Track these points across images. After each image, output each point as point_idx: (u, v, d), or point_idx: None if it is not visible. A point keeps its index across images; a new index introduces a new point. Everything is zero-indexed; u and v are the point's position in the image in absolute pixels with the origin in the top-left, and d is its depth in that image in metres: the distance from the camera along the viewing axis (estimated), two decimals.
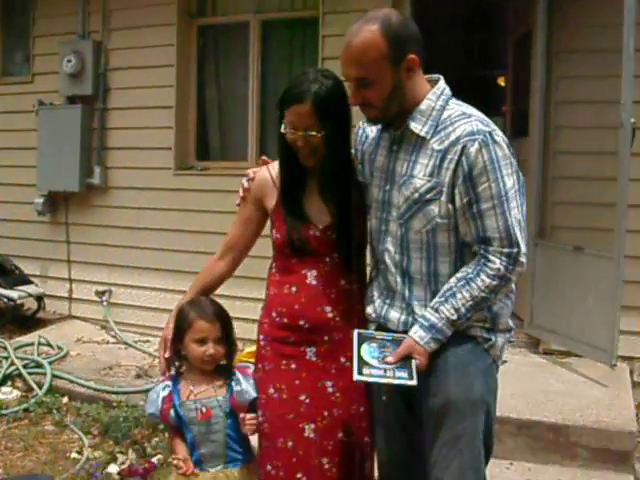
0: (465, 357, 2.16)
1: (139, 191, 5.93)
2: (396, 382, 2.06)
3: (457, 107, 2.15)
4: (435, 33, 6.06)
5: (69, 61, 5.84)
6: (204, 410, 2.47)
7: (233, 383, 2.48)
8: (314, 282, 2.35)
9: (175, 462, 2.47)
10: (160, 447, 4.03)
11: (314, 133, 2.22)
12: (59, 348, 5.40)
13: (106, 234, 6.06)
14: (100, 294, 6.03)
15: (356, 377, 2.06)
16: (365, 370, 2.07)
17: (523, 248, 2.09)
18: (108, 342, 5.76)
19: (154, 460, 3.85)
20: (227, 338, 2.50)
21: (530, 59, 4.99)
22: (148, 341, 5.72)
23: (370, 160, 2.31)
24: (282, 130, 2.28)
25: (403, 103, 2.13)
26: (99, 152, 6.04)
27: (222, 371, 2.52)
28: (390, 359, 2.08)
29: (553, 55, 4.77)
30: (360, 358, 2.09)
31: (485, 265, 2.08)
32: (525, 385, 4.21)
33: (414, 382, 2.05)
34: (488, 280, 2.07)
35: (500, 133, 2.09)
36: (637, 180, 4.21)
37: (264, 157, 2.55)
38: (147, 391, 4.61)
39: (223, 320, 2.49)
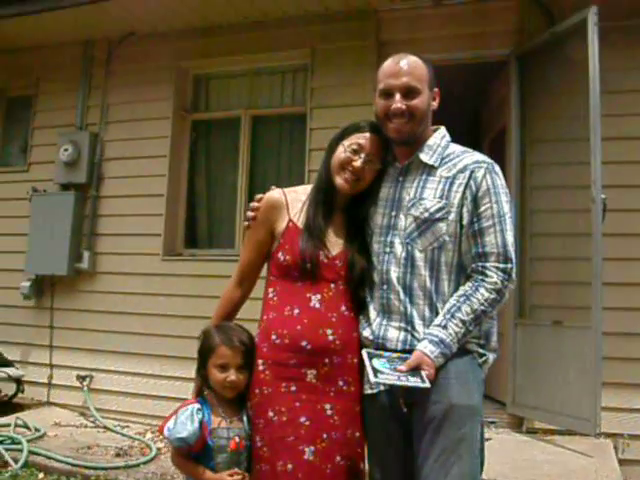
0: (464, 367, 2.31)
1: (127, 276, 6.03)
2: (411, 384, 2.17)
3: (458, 147, 2.49)
4: None
5: (66, 150, 6.09)
6: (237, 439, 2.44)
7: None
8: (317, 305, 2.43)
9: (236, 475, 2.40)
10: None
11: (375, 161, 2.47)
12: (36, 429, 5.28)
13: (91, 319, 6.07)
14: (81, 379, 5.96)
15: (373, 379, 2.17)
16: (380, 375, 2.18)
17: (515, 266, 2.32)
18: (87, 426, 5.64)
19: None
20: (250, 367, 2.47)
21: (505, 151, 5.34)
22: (128, 427, 5.63)
23: (373, 193, 2.52)
24: (341, 152, 2.46)
25: (423, 132, 2.45)
26: (89, 237, 6.18)
27: (242, 400, 2.51)
28: (402, 368, 2.20)
29: (527, 145, 5.12)
30: (373, 367, 2.20)
31: (483, 280, 2.29)
32: (510, 455, 4.22)
33: (428, 384, 2.17)
34: (487, 294, 2.27)
35: (499, 168, 2.41)
36: (609, 259, 4.44)
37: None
38: (128, 467, 4.57)
39: (247, 348, 2.48)
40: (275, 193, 2.58)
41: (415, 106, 2.38)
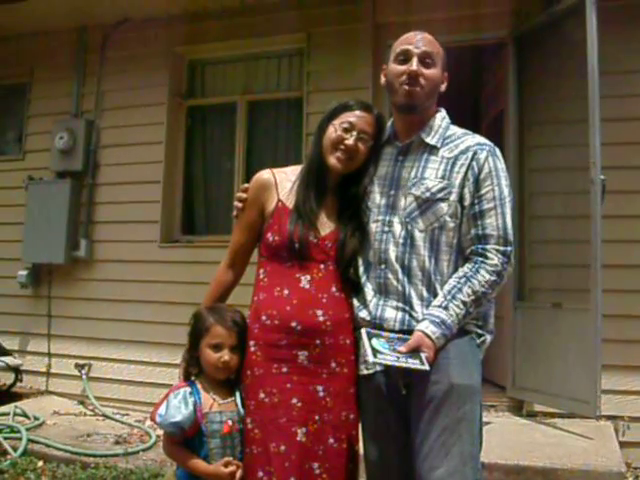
0: (464, 348, 2.29)
1: (124, 263, 6.00)
2: (410, 366, 2.13)
3: (458, 128, 2.47)
4: None
5: (61, 138, 6.05)
6: (230, 423, 2.40)
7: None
8: (307, 286, 2.40)
9: (231, 465, 2.36)
10: None
11: (367, 139, 2.43)
12: (35, 418, 5.26)
13: (88, 307, 6.05)
14: (80, 367, 5.95)
15: (372, 359, 2.13)
16: (379, 355, 2.14)
17: (513, 249, 2.31)
18: (86, 414, 5.63)
19: None
20: (242, 348, 2.44)
21: (503, 134, 5.30)
22: (127, 414, 5.61)
23: (371, 171, 2.49)
24: (332, 132, 2.43)
25: (429, 107, 2.43)
26: (86, 225, 6.15)
27: (232, 384, 2.48)
28: (402, 349, 2.18)
29: (525, 127, 5.08)
30: (372, 347, 2.17)
31: (484, 262, 2.27)
32: (511, 438, 4.20)
33: (427, 367, 2.14)
34: (487, 276, 2.25)
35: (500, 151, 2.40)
36: (609, 241, 4.39)
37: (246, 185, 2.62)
38: (127, 454, 4.56)
39: (240, 328, 2.46)
40: (264, 173, 2.56)
41: (428, 75, 2.36)
